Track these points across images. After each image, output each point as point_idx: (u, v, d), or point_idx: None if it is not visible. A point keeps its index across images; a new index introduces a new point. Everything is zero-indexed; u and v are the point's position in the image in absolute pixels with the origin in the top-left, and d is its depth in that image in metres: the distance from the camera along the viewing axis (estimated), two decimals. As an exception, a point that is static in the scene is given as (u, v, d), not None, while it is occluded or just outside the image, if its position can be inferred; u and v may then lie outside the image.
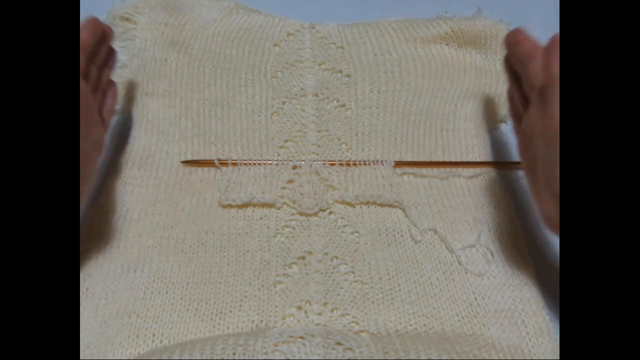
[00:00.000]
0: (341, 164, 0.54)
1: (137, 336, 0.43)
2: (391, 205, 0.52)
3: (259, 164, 0.54)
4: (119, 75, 0.61)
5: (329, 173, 0.54)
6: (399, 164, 0.55)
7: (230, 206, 0.51)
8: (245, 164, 0.54)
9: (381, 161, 0.54)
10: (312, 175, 0.53)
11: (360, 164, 0.54)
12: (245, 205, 0.51)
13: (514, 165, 0.57)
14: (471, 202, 0.53)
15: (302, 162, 0.54)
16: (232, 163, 0.54)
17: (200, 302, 0.45)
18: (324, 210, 0.52)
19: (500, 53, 0.64)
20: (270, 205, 0.51)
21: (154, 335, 0.43)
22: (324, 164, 0.54)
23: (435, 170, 0.55)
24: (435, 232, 0.50)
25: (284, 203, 0.52)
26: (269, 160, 0.54)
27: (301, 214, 0.51)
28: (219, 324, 0.44)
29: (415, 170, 0.55)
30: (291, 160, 0.54)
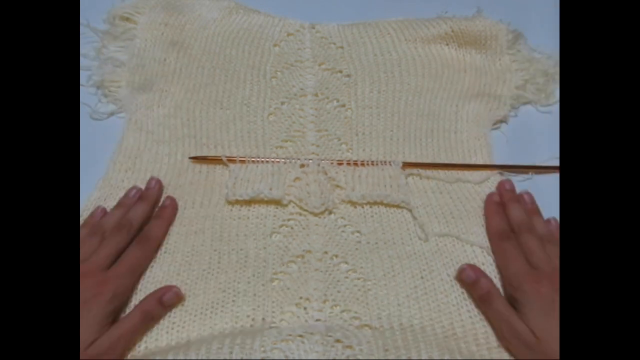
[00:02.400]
0: (349, 164, 0.54)
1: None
2: (397, 206, 0.52)
3: (267, 161, 0.54)
4: (117, 75, 0.61)
5: (336, 172, 0.53)
6: (407, 164, 0.54)
7: (230, 203, 0.51)
8: (252, 161, 0.54)
9: (389, 162, 0.54)
10: (319, 174, 0.53)
11: (368, 164, 0.54)
12: (251, 201, 0.51)
13: (520, 168, 0.56)
14: (482, 205, 0.52)
15: (310, 161, 0.54)
16: (240, 160, 0.54)
17: (189, 297, 0.45)
18: (330, 211, 0.51)
19: (500, 53, 0.64)
20: (277, 202, 0.51)
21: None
22: (332, 163, 0.54)
23: (441, 173, 0.55)
24: (458, 237, 0.50)
25: (290, 201, 0.51)
26: (277, 159, 0.54)
27: (300, 214, 0.51)
28: (210, 318, 0.43)
29: (421, 171, 0.54)
30: (299, 159, 0.54)
